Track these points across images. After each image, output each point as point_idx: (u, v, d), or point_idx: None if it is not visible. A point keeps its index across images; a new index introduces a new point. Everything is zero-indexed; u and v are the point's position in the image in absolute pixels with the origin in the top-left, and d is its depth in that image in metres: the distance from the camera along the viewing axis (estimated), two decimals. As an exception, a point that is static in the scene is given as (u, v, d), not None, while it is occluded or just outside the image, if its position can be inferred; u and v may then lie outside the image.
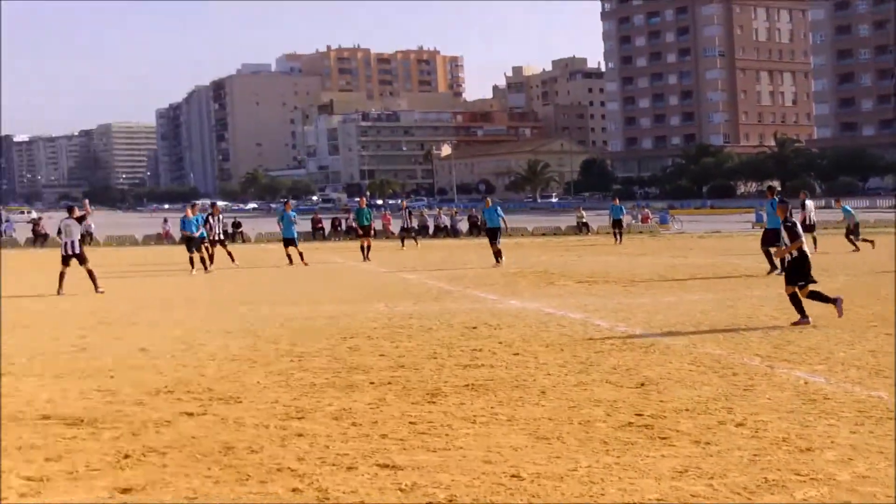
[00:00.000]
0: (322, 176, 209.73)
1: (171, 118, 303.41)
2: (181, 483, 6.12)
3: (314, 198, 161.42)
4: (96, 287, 19.81)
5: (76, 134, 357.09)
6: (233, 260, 27.77)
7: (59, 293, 19.58)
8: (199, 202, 52.25)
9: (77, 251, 20.26)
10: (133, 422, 7.88)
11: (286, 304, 17.47)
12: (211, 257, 27.07)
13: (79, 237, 20.49)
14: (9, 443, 7.20)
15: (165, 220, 52.32)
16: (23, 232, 49.88)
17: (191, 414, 8.18)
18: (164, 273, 26.36)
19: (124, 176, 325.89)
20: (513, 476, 6.21)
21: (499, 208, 28.53)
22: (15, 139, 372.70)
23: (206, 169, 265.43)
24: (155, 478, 6.23)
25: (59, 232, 21.13)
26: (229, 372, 10.33)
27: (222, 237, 28.48)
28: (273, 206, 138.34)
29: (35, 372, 10.44)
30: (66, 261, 20.32)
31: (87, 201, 27.52)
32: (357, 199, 53.05)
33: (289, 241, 28.85)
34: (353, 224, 36.63)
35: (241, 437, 7.34)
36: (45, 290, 19.97)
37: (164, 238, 47.89)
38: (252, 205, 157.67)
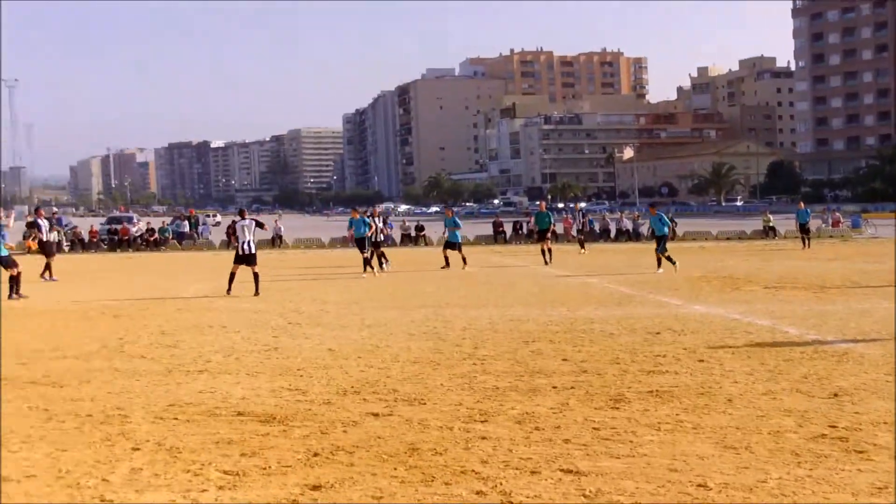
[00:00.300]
0: (503, 179, 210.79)
1: (357, 123, 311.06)
2: (368, 482, 6.26)
3: (495, 201, 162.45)
4: (257, 290, 20.44)
5: (268, 139, 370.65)
6: (383, 262, 28.21)
7: (227, 293, 20.45)
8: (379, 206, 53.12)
9: (251, 251, 20.99)
10: (322, 421, 8.11)
11: (467, 307, 17.63)
12: (381, 257, 27.80)
13: (251, 238, 21.13)
14: (207, 437, 7.55)
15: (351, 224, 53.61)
16: (217, 235, 52.10)
17: (376, 414, 8.35)
18: (347, 275, 26.99)
19: (312, 180, 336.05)
20: (699, 485, 6.08)
21: (664, 216, 28.10)
22: (212, 145, 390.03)
23: (391, 173, 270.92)
24: (343, 476, 6.40)
25: (234, 233, 21.88)
26: (413, 373, 10.50)
27: (381, 239, 29.20)
28: (455, 209, 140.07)
29: (230, 370, 10.89)
30: (239, 261, 21.09)
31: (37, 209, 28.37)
32: (538, 202, 52.97)
33: (450, 245, 29.43)
34: (534, 227, 36.67)
35: (426, 438, 7.45)
36: (240, 292, 20.73)
37: (350, 241, 49.08)
38: (434, 208, 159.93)
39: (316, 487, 6.15)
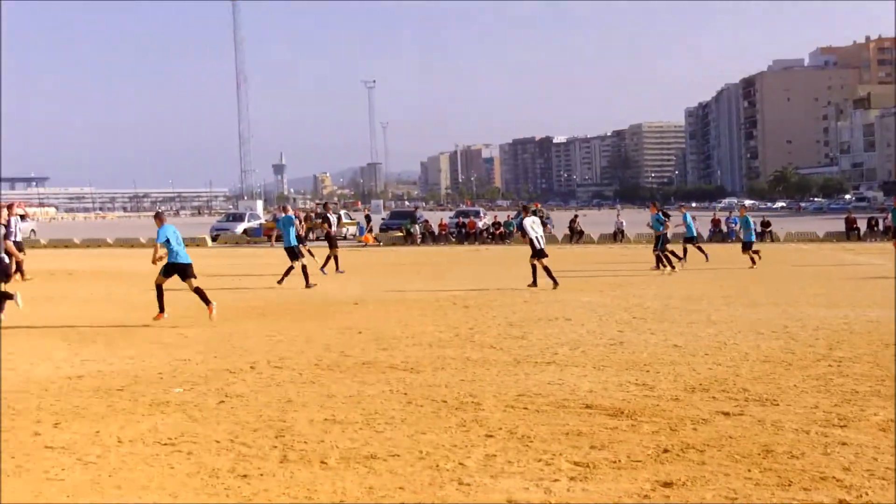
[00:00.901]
0: (856, 174, 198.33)
1: (700, 117, 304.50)
2: (721, 482, 6.12)
3: (847, 196, 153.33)
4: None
5: (609, 134, 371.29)
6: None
7: (532, 285, 20.88)
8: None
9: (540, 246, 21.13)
10: (671, 417, 8.02)
11: (818, 305, 16.78)
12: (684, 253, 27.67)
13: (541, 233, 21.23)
14: (557, 428, 7.68)
15: (693, 219, 52.50)
16: (560, 229, 52.80)
17: (727, 413, 8.14)
18: (689, 270, 26.41)
19: (653, 175, 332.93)
20: None
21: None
22: (554, 140, 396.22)
23: (734, 167, 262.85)
24: (695, 474, 6.29)
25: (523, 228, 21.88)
26: (763, 373, 10.14)
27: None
28: (802, 205, 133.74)
29: (577, 362, 11.03)
30: (537, 255, 21.17)
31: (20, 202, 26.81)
32: (894, 197, 49.37)
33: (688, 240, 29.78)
34: (891, 225, 34.29)
35: (780, 440, 7.17)
36: (570, 284, 20.88)
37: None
38: (780, 203, 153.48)
39: (667, 484, 6.09)
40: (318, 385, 9.75)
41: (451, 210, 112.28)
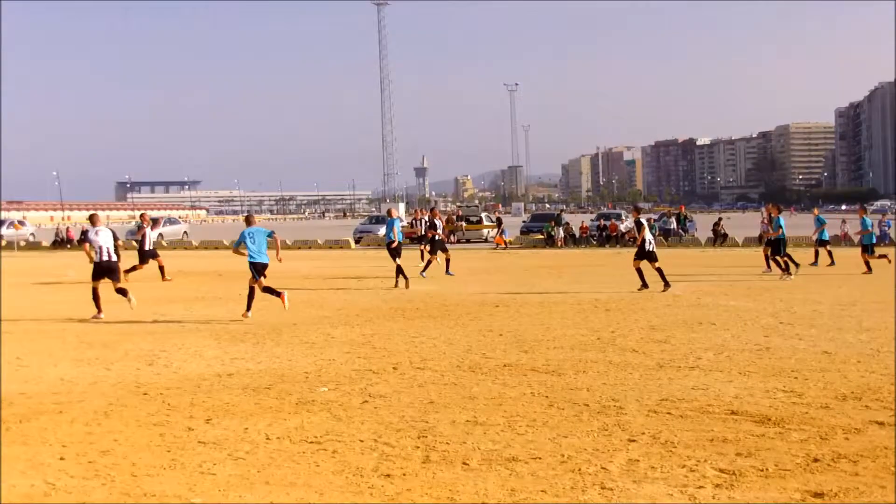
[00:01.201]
0: None
1: (851, 117, 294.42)
2: (876, 494, 5.91)
3: None
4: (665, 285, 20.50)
5: (754, 136, 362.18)
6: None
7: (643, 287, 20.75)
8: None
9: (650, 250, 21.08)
10: (821, 426, 7.78)
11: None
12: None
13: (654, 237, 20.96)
14: (701, 434, 7.55)
15: (844, 222, 50.80)
16: (704, 232, 51.78)
17: (881, 423, 7.85)
18: (838, 275, 25.54)
19: (800, 177, 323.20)
20: None
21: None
22: (698, 142, 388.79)
23: (887, 169, 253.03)
24: (847, 486, 6.09)
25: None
26: (921, 383, 9.73)
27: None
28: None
29: (721, 368, 10.80)
30: (640, 256, 21.28)
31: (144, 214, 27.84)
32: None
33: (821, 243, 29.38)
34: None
35: (939, 453, 6.87)
36: (730, 290, 20.41)
37: (841, 240, 46.56)
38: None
39: (818, 495, 5.91)
40: (460, 386, 9.82)
41: (591, 212, 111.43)
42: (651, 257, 21.13)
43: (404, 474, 6.56)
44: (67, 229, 58.28)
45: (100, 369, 11.25)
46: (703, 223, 63.60)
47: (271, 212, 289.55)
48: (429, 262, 26.30)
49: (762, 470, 6.49)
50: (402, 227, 27.83)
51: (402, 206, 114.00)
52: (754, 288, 21.14)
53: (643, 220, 21.96)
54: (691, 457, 6.86)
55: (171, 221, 63.27)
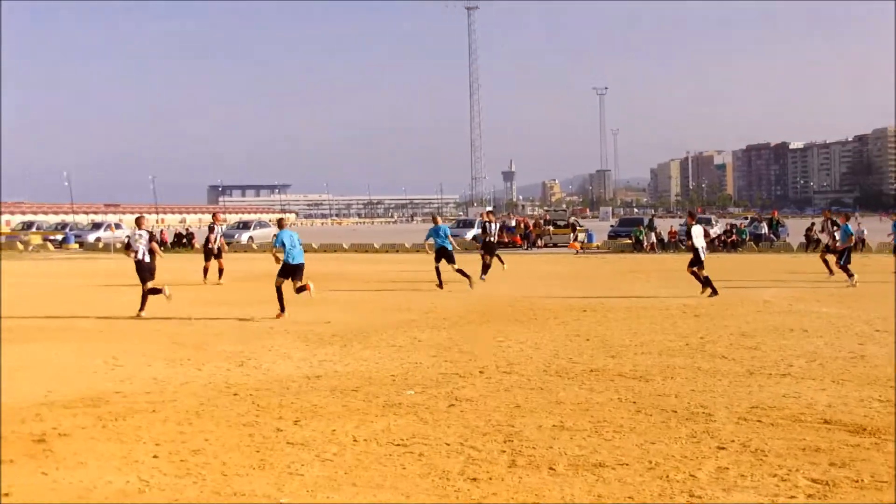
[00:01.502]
0: None
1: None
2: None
3: None
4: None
5: (850, 139, 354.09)
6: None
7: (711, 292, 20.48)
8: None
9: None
10: (920, 436, 7.58)
11: None
12: None
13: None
14: (793, 442, 7.40)
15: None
16: (795, 237, 50.79)
17: (982, 435, 7.61)
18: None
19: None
20: None
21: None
22: (790, 146, 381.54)
23: None
24: (946, 498, 5.93)
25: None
26: None
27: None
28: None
29: (814, 375, 10.58)
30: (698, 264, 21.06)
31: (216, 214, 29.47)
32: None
33: None
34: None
35: None
36: (810, 295, 20.00)
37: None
38: None
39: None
40: (547, 391, 9.79)
41: (681, 217, 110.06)
42: (698, 264, 21.09)
43: (490, 478, 6.56)
44: (162, 231, 59.63)
45: (191, 370, 11.47)
46: (795, 228, 62.39)
47: (359, 215, 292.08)
48: (485, 266, 26.47)
49: (857, 481, 6.34)
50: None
51: (489, 209, 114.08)
52: (848, 295, 20.68)
53: (698, 228, 21.56)
54: (783, 466, 6.73)
55: (260, 224, 64.27)
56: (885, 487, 6.19)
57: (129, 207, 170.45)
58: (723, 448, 7.28)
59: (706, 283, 20.71)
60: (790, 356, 12.02)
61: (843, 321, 15.84)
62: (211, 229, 27.09)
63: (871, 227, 57.64)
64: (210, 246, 26.73)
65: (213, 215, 29.14)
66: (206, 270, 26.52)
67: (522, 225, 56.41)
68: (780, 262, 35.90)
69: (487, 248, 27.05)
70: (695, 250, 21.03)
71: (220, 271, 26.37)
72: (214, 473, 6.77)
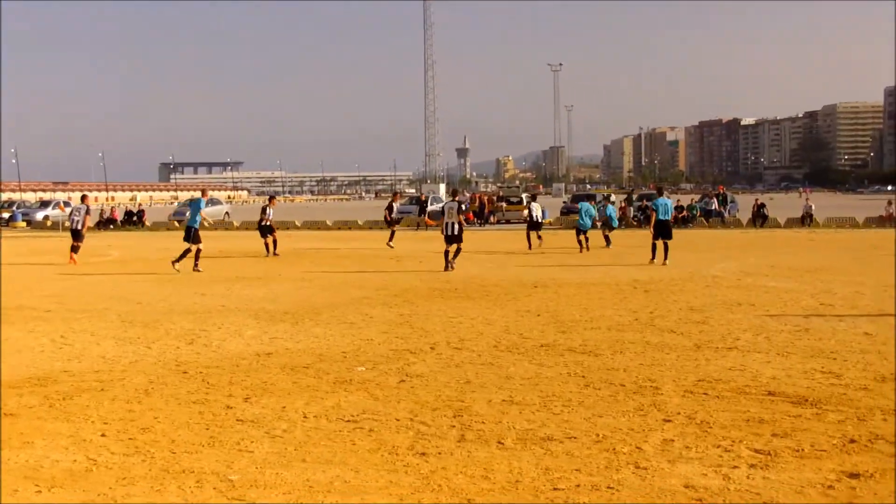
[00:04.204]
0: None
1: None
2: (914, 475, 5.87)
3: None
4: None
5: (800, 116, 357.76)
6: None
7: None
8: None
9: (453, 232, 22.44)
10: (859, 407, 7.73)
11: None
12: None
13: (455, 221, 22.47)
14: (737, 414, 7.53)
15: (889, 203, 50.12)
16: (745, 213, 51.33)
17: (920, 405, 7.79)
18: (884, 255, 25.24)
19: (846, 157, 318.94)
20: None
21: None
22: (742, 122, 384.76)
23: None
24: (884, 466, 6.06)
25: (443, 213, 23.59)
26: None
27: None
28: None
29: (760, 348, 10.75)
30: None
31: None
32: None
33: None
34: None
35: (979, 435, 6.81)
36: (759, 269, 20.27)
37: (887, 220, 45.97)
38: None
39: (854, 475, 5.89)
40: (497, 367, 9.86)
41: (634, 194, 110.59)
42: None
43: (439, 453, 6.60)
44: (112, 209, 58.95)
45: (141, 348, 11.41)
46: (745, 204, 63.07)
47: (312, 192, 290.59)
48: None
49: (798, 450, 6.46)
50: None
51: (442, 186, 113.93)
52: (796, 269, 20.97)
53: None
54: (727, 437, 6.85)
55: (213, 202, 63.70)
56: (825, 456, 6.32)
57: (78, 185, 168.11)
58: (669, 420, 7.39)
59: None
60: (737, 330, 12.19)
61: (790, 295, 16.08)
62: (264, 210, 29.26)
63: (821, 202, 58.44)
64: (265, 223, 28.84)
65: (270, 198, 32.37)
66: (267, 246, 28.42)
67: (478, 202, 56.34)
68: (727, 237, 36.31)
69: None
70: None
71: (275, 243, 28.49)
72: (163, 451, 6.75)
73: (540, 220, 31.82)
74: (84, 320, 13.99)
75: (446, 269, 21.65)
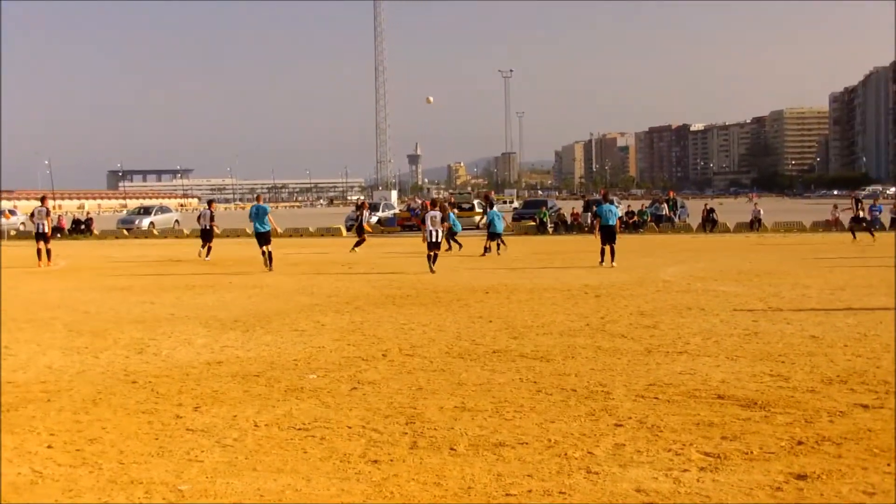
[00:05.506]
0: None
1: (846, 102, 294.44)
2: (858, 476, 5.95)
3: None
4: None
5: (748, 121, 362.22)
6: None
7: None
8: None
9: (434, 239, 24.18)
10: (806, 409, 7.83)
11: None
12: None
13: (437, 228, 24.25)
14: (688, 418, 7.59)
15: (835, 207, 50.87)
16: (695, 219, 51.86)
17: (866, 406, 7.90)
18: (831, 259, 25.62)
19: (793, 162, 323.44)
20: None
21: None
22: (691, 128, 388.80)
23: (880, 154, 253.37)
24: (831, 467, 6.13)
25: (423, 222, 25.46)
26: (907, 366, 9.78)
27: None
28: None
29: (709, 352, 10.84)
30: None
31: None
32: None
33: None
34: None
35: (923, 435, 6.92)
36: (714, 275, 20.50)
37: (832, 225, 46.63)
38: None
39: (801, 477, 5.95)
40: (449, 373, 9.85)
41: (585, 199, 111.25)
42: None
43: (391, 460, 6.58)
44: (59, 217, 58.18)
45: (88, 357, 11.26)
46: (695, 209, 63.71)
47: (264, 200, 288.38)
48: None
49: (747, 453, 6.52)
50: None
51: (394, 193, 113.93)
52: (745, 273, 21.20)
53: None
54: (677, 441, 6.90)
55: (162, 210, 63.12)
56: (773, 458, 6.38)
57: (24, 193, 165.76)
58: (620, 425, 7.42)
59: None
60: (687, 334, 12.29)
61: (738, 299, 16.24)
62: (359, 210, 34.45)
63: (769, 207, 59.13)
64: (364, 225, 33.04)
65: (363, 202, 38.23)
66: (357, 243, 32.12)
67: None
68: (679, 242, 36.63)
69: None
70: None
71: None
72: (111, 462, 6.66)
73: (499, 231, 31.61)
74: (29, 330, 13.78)
75: (431, 269, 23.31)
